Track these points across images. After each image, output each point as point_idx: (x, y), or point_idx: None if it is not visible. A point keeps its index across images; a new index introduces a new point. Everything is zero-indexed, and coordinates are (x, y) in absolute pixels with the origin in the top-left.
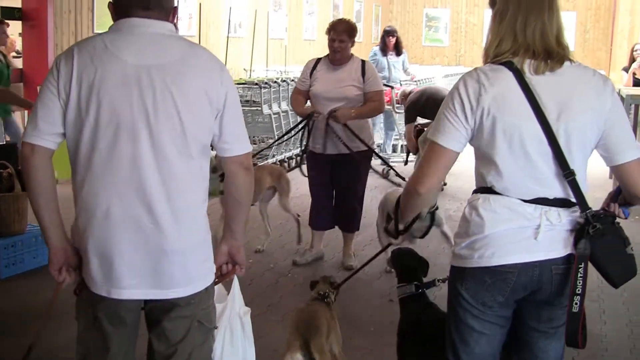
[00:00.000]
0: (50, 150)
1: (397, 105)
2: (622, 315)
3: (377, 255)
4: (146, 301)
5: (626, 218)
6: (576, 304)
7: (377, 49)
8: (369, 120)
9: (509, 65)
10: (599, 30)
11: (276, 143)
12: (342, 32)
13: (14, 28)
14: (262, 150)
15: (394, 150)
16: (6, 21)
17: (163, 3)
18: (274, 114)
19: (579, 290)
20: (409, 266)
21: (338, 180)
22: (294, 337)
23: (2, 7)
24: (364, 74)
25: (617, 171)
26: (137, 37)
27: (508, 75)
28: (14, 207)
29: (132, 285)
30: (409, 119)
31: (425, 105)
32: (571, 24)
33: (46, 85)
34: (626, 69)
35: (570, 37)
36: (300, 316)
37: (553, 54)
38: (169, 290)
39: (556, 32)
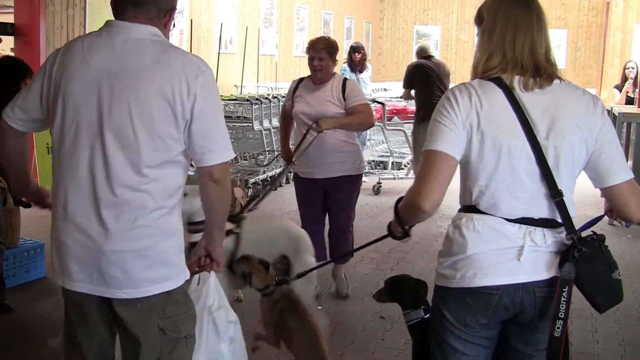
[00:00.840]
0: (17, 130)
1: (388, 122)
2: (614, 334)
3: (376, 240)
4: (107, 299)
5: (627, 227)
6: (558, 328)
7: (345, 65)
8: (359, 142)
9: (498, 82)
10: (590, 48)
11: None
12: (320, 50)
13: (7, 43)
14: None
15: (385, 167)
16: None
17: (152, 3)
18: (265, 130)
19: (561, 315)
20: (411, 290)
21: (329, 208)
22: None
23: None
24: (344, 92)
25: (607, 193)
26: (113, 42)
27: (497, 92)
28: (7, 221)
29: (81, 279)
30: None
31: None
32: (562, 42)
33: (37, 76)
34: (618, 87)
35: (561, 55)
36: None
37: (541, 70)
38: (113, 289)
39: (545, 49)
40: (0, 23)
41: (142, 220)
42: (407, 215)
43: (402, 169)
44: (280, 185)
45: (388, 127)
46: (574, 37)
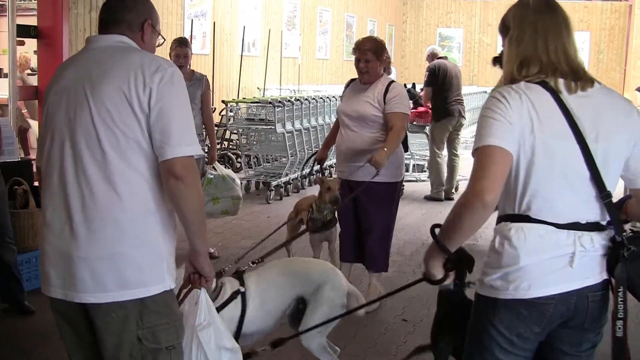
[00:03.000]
0: None
1: (410, 124)
2: (638, 337)
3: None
4: (84, 305)
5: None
6: (619, 328)
7: None
8: (401, 149)
9: (544, 85)
10: (613, 51)
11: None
12: (366, 51)
13: (30, 45)
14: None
15: (406, 170)
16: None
17: (123, 18)
18: (287, 132)
19: (620, 315)
20: (464, 261)
21: (361, 212)
22: None
23: (18, 25)
24: (386, 94)
25: (638, 194)
26: (84, 54)
27: (545, 94)
28: (28, 223)
29: (57, 284)
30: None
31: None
32: (585, 44)
33: None
34: None
35: (584, 58)
36: None
37: (579, 73)
38: (82, 294)
39: (574, 52)
40: (23, 26)
41: (112, 225)
42: (465, 216)
43: (425, 171)
44: (303, 187)
45: (410, 130)
46: (596, 39)
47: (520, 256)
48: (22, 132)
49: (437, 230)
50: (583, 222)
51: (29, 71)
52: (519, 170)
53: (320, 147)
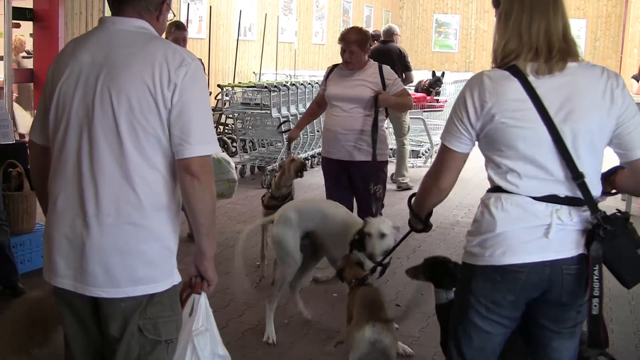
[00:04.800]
0: (40, 145)
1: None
2: (629, 323)
3: (402, 239)
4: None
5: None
6: (595, 306)
7: None
8: (386, 131)
9: (514, 70)
10: (609, 38)
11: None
12: (351, 43)
13: (26, 29)
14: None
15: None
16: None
17: None
18: (283, 117)
19: (596, 293)
20: (449, 272)
21: (356, 185)
22: (362, 316)
23: (13, 8)
24: (383, 78)
25: (631, 167)
26: (101, 36)
27: (513, 80)
28: (22, 206)
29: (66, 275)
30: None
31: None
32: (581, 32)
33: (43, 88)
34: (636, 77)
35: (580, 45)
36: (364, 295)
37: (553, 53)
38: (92, 288)
39: (562, 29)
40: (19, 8)
41: (127, 218)
42: (426, 197)
43: (420, 157)
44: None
45: (411, 116)
46: (593, 27)
47: (497, 224)
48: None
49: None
50: (561, 195)
51: (24, 54)
52: (490, 150)
53: (295, 125)
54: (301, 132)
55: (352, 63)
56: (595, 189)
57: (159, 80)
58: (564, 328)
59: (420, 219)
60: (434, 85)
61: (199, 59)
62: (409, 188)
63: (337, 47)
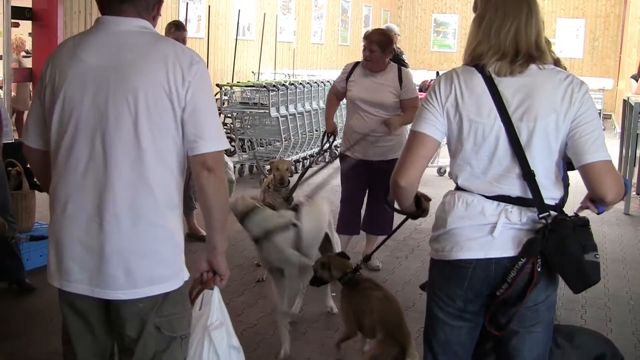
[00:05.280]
0: (39, 150)
1: None
2: (628, 323)
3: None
4: (107, 301)
5: (598, 214)
6: (501, 290)
7: None
8: (405, 130)
9: (479, 67)
10: (608, 38)
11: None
12: (372, 42)
13: (25, 28)
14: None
15: None
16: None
17: None
18: (282, 117)
19: (509, 279)
20: None
21: (375, 183)
22: (389, 339)
23: (12, 7)
24: (401, 82)
25: (582, 172)
26: (103, 36)
27: (477, 76)
28: (22, 205)
29: (81, 280)
30: None
31: None
32: (580, 31)
33: (35, 91)
34: (635, 77)
35: (578, 45)
36: (384, 309)
37: (519, 57)
38: (111, 291)
39: (535, 36)
40: (18, 7)
41: (144, 219)
42: (392, 192)
43: None
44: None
45: None
46: (591, 27)
47: (448, 220)
48: (18, 114)
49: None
50: (513, 195)
51: (23, 53)
52: (450, 146)
53: (326, 121)
54: (300, 132)
55: (371, 62)
56: (548, 191)
57: (173, 79)
58: (520, 327)
59: (404, 212)
60: None
61: None
62: None
63: (336, 47)
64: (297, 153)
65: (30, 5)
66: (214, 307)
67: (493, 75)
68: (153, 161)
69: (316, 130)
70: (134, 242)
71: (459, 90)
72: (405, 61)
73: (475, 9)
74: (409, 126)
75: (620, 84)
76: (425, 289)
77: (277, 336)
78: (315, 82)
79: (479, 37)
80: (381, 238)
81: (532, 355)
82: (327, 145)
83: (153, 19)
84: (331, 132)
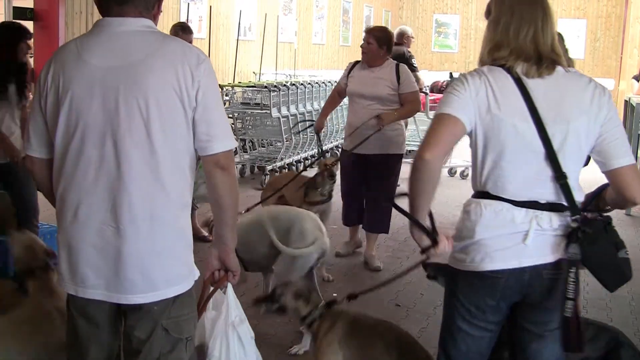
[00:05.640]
0: (44, 159)
1: (430, 112)
2: (629, 324)
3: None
4: (119, 305)
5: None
6: (569, 308)
7: None
8: (403, 124)
9: (506, 68)
10: (609, 39)
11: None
12: (370, 35)
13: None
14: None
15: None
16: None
17: None
18: (283, 117)
19: (570, 295)
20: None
21: (371, 177)
22: None
23: (14, 7)
24: (399, 77)
25: (610, 176)
26: (107, 38)
27: (505, 76)
28: None
29: (97, 285)
30: None
31: None
32: (581, 32)
33: (34, 99)
34: (637, 77)
35: (580, 45)
36: (397, 339)
37: (543, 60)
38: (130, 295)
39: (550, 40)
40: (19, 8)
41: (160, 221)
42: (412, 173)
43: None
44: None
45: (430, 117)
46: (593, 27)
47: (476, 230)
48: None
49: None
50: (542, 201)
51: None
52: (477, 148)
53: (319, 117)
54: (301, 133)
55: (367, 54)
56: (577, 193)
57: (183, 80)
58: (546, 331)
59: (418, 224)
60: None
61: None
62: None
63: (337, 47)
64: (298, 154)
65: (31, 6)
66: (231, 304)
67: (521, 77)
68: (167, 162)
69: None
70: (151, 244)
71: (491, 88)
72: (415, 65)
73: (488, 14)
74: (408, 120)
75: (622, 85)
76: (426, 270)
77: (278, 336)
78: (317, 83)
79: (495, 40)
80: (382, 237)
81: (553, 359)
82: (319, 146)
83: (154, 17)
84: (317, 129)
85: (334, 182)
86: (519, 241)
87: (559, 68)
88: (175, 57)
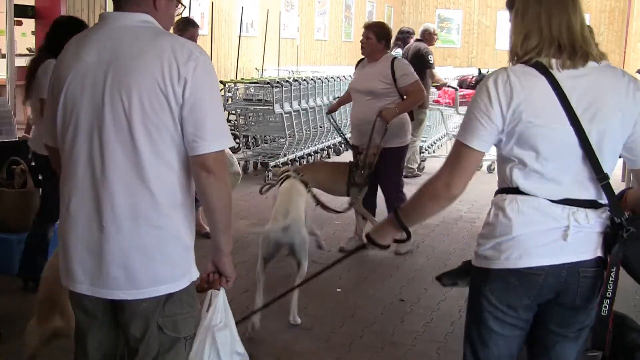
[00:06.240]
0: (56, 147)
1: (460, 107)
2: (633, 318)
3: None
4: (112, 300)
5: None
6: (605, 307)
7: (399, 50)
8: (407, 117)
9: (539, 67)
10: (612, 33)
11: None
12: (368, 30)
13: (28, 26)
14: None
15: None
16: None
17: None
18: (286, 113)
19: (609, 294)
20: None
21: (380, 173)
22: None
23: (15, 5)
24: (394, 72)
25: (639, 175)
26: (103, 33)
27: (539, 77)
28: (26, 203)
29: (83, 280)
30: None
31: None
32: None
33: (48, 89)
34: None
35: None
36: None
37: (577, 49)
38: (113, 291)
39: (580, 27)
40: (20, 6)
41: (145, 220)
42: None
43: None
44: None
45: (460, 112)
46: (596, 21)
47: (514, 226)
48: None
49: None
50: (578, 198)
51: (26, 51)
52: (510, 149)
53: (334, 102)
54: (304, 129)
55: (366, 49)
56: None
57: (168, 75)
58: (571, 332)
59: (404, 229)
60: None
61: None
62: (415, 176)
63: (340, 43)
64: (301, 149)
65: (32, 3)
66: (219, 308)
67: (555, 74)
68: (151, 160)
69: (320, 127)
70: (135, 243)
71: (522, 93)
72: (431, 62)
73: (510, 4)
74: (424, 117)
75: None
76: (442, 282)
77: (281, 333)
78: (319, 79)
79: (525, 29)
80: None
81: (573, 358)
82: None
83: (155, 7)
84: (330, 110)
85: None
86: (558, 237)
87: (590, 62)
88: (164, 52)
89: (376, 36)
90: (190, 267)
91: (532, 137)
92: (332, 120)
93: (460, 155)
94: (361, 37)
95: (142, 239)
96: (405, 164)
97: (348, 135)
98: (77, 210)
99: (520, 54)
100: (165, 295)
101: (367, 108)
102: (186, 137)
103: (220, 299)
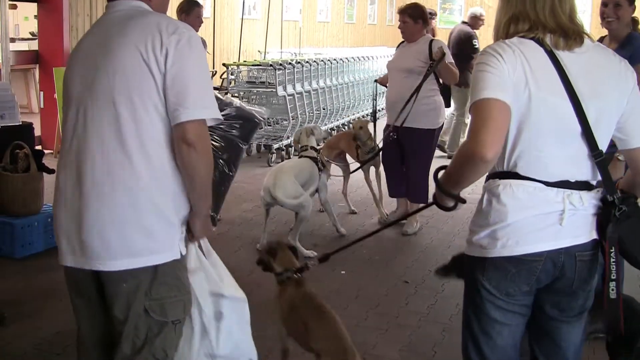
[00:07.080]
0: None
1: None
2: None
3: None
4: (96, 272)
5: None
6: (612, 289)
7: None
8: (441, 100)
9: (537, 40)
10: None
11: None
12: (403, 14)
13: (31, 10)
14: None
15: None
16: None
17: None
18: (289, 95)
19: (613, 276)
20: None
21: (405, 150)
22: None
23: None
24: (430, 51)
25: (630, 155)
26: (102, 21)
27: (538, 50)
28: (30, 187)
29: (68, 250)
30: None
31: None
32: (587, 7)
33: None
34: None
35: (586, 20)
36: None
37: (568, 32)
38: (90, 260)
39: (569, 10)
40: None
41: (123, 191)
42: (466, 169)
43: None
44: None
45: None
46: (599, 2)
47: (509, 213)
48: None
49: (440, 173)
50: (572, 180)
51: (29, 35)
52: (511, 125)
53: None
54: (307, 111)
55: (405, 33)
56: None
57: (151, 45)
58: (571, 316)
59: (453, 196)
60: None
61: (201, 38)
62: None
63: (342, 25)
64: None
65: None
66: (191, 256)
67: (553, 50)
68: (132, 130)
69: (323, 109)
70: (112, 210)
71: (527, 63)
72: (476, 46)
73: None
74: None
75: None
76: (440, 274)
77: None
78: (322, 60)
79: (512, 11)
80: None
81: (577, 341)
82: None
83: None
84: (380, 82)
85: (371, 143)
86: (554, 221)
87: (587, 41)
88: (148, 27)
89: (412, 18)
90: (173, 244)
91: (535, 111)
92: (375, 88)
93: (482, 111)
94: (367, 19)
95: (120, 207)
96: (447, 143)
97: (347, 119)
98: (65, 181)
99: (511, 33)
100: (150, 273)
101: (402, 86)
102: (169, 107)
103: (191, 248)
